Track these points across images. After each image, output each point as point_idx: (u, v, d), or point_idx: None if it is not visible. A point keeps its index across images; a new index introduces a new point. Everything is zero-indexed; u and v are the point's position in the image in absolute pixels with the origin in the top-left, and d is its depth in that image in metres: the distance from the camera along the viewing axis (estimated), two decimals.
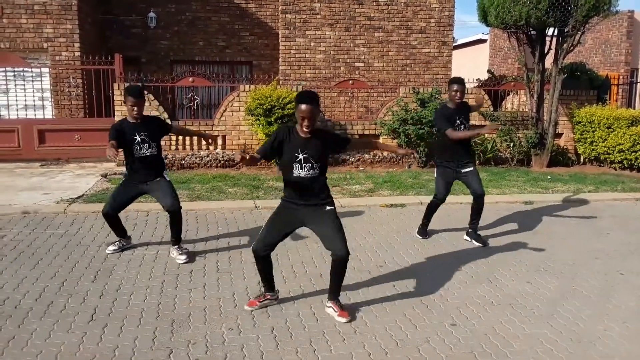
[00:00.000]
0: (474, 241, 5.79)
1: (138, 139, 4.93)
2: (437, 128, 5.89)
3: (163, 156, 5.34)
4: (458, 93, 5.61)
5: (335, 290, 3.99)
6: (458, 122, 5.66)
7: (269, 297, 4.10)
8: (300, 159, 3.76)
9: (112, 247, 5.22)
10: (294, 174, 3.79)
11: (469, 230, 5.89)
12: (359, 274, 4.81)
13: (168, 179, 5.21)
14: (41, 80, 11.17)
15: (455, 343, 3.63)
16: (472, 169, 5.73)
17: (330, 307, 4.00)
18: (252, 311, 3.97)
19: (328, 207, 3.91)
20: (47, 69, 11.57)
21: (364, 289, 4.49)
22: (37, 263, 4.93)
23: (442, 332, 3.77)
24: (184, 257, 5.06)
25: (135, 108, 4.88)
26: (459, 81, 5.69)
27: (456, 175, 5.76)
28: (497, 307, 4.22)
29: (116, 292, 4.33)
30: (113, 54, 10.75)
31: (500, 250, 5.59)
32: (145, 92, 5.23)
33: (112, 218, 5.11)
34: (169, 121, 5.14)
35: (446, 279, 4.76)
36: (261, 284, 4.16)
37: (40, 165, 9.91)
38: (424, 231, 6.00)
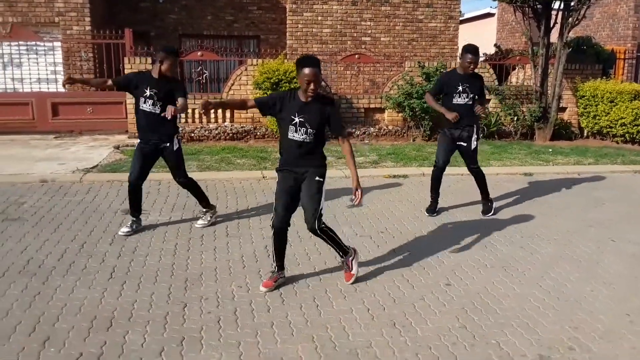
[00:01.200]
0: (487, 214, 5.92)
1: (147, 92, 4.90)
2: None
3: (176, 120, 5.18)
4: (472, 64, 5.52)
5: (334, 248, 4.11)
6: (460, 88, 5.60)
7: (282, 275, 4.07)
8: (296, 122, 3.81)
9: (124, 229, 5.08)
10: (288, 136, 3.86)
11: (483, 203, 6.02)
12: (360, 239, 5.07)
13: (177, 146, 5.12)
14: (53, 54, 11.37)
15: (448, 300, 3.90)
16: (470, 143, 5.73)
17: (343, 263, 4.17)
18: (266, 292, 3.91)
19: (317, 178, 3.91)
20: (59, 43, 11.76)
21: (365, 253, 4.76)
22: (57, 227, 5.23)
23: (436, 291, 4.04)
24: (201, 222, 5.32)
25: (164, 65, 4.88)
26: (474, 51, 5.53)
27: (455, 142, 5.74)
28: (490, 269, 4.48)
29: (132, 254, 4.62)
30: (123, 28, 10.90)
31: (497, 218, 5.83)
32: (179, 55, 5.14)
33: (135, 188, 5.07)
34: (181, 100, 5.05)
35: (443, 244, 5.01)
36: (273, 257, 4.06)
37: (54, 137, 10.19)
38: (433, 208, 5.93)
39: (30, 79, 11.12)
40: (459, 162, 7.80)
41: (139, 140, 5.16)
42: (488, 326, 3.53)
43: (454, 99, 5.67)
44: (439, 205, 6.02)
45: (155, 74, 4.97)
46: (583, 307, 3.84)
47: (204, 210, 5.43)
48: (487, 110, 10.94)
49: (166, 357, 3.11)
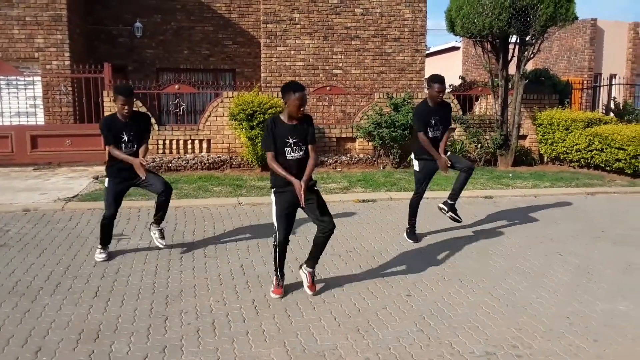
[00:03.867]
0: (450, 212, 6.06)
1: (125, 138, 5.17)
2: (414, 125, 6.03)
3: (151, 159, 5.63)
4: (440, 93, 5.72)
5: (315, 258, 4.51)
6: (433, 122, 5.80)
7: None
8: (291, 143, 4.29)
9: (102, 255, 5.30)
10: (287, 157, 4.30)
11: (449, 201, 6.09)
12: (330, 257, 5.46)
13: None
14: (33, 88, 11.69)
15: (408, 309, 4.29)
16: (453, 154, 6.00)
17: (305, 275, 4.56)
18: (281, 298, 4.40)
19: (315, 188, 4.45)
20: (38, 78, 12.07)
21: (333, 269, 5.15)
22: (42, 252, 5.50)
23: (398, 301, 4.43)
24: (164, 241, 5.53)
25: (126, 107, 5.06)
26: (440, 80, 5.68)
27: (435, 166, 5.89)
28: (447, 282, 4.89)
29: (116, 274, 4.92)
30: (101, 62, 11.29)
31: (457, 237, 6.28)
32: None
33: (111, 222, 5.28)
34: (154, 126, 5.38)
35: (406, 260, 5.43)
36: (276, 268, 4.49)
37: (34, 169, 10.42)
38: (413, 233, 6.08)
39: (10, 112, 11.39)
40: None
41: (109, 179, 5.35)
42: (442, 329, 3.93)
43: (429, 133, 5.83)
44: (404, 225, 6.42)
45: (121, 117, 5.18)
46: (528, 312, 4.26)
47: (156, 226, 5.53)
48: (451, 139, 11.53)
49: None
